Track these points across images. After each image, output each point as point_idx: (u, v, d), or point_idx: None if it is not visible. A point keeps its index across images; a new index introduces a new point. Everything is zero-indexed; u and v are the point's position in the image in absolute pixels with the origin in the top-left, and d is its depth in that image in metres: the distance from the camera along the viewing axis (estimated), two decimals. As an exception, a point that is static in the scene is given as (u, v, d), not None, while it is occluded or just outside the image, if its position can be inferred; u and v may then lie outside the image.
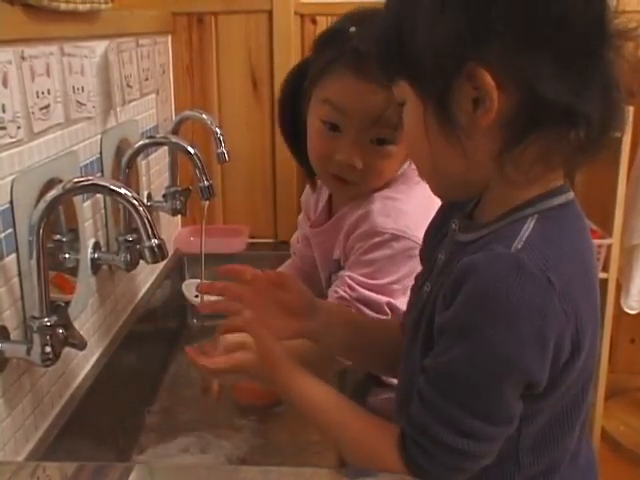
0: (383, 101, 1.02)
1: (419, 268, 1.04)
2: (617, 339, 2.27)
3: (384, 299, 1.07)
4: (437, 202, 1.13)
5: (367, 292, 1.07)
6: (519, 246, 0.66)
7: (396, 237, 1.07)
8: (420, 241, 1.01)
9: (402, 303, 1.07)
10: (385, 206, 1.10)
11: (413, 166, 1.13)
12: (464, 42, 0.64)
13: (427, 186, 1.15)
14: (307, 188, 1.33)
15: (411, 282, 1.06)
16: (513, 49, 0.64)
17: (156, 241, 0.87)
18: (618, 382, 2.27)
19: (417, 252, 1.02)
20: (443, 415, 0.69)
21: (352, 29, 1.07)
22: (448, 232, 0.82)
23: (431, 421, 0.69)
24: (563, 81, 0.64)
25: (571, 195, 0.72)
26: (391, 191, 1.12)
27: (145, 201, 1.41)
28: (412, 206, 1.09)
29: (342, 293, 1.08)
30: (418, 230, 1.04)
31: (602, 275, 1.98)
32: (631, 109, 2.12)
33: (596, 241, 1.95)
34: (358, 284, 1.07)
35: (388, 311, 1.07)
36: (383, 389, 1.12)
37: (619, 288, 2.08)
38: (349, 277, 1.08)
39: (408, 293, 1.07)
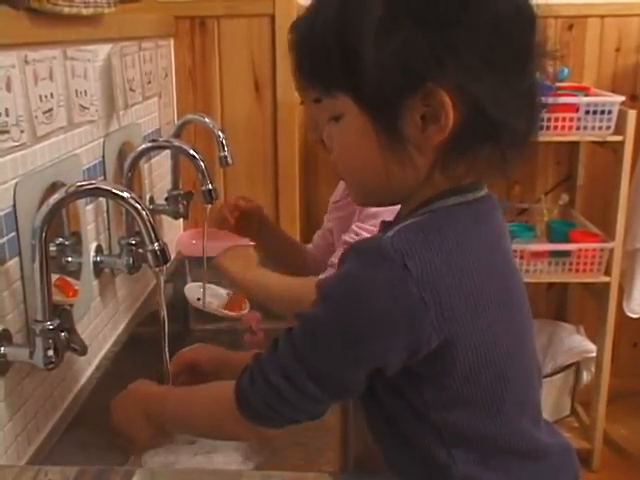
0: None
1: None
2: (619, 343, 2.26)
3: None
4: None
5: None
6: (392, 233, 0.69)
7: None
8: None
9: None
10: None
11: None
12: (425, 62, 0.65)
13: None
14: None
15: None
16: (470, 70, 0.65)
17: (158, 245, 0.87)
18: (620, 386, 2.27)
19: None
20: (281, 360, 0.72)
21: None
22: None
23: (269, 359, 0.74)
24: (508, 103, 0.67)
25: (479, 193, 0.74)
26: None
27: (147, 204, 1.42)
28: None
29: (347, 238, 1.16)
30: None
31: (604, 279, 1.98)
32: (634, 113, 2.11)
33: (598, 245, 1.95)
34: (364, 231, 1.15)
35: None
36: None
37: (621, 292, 2.07)
38: (357, 226, 1.17)
39: None
